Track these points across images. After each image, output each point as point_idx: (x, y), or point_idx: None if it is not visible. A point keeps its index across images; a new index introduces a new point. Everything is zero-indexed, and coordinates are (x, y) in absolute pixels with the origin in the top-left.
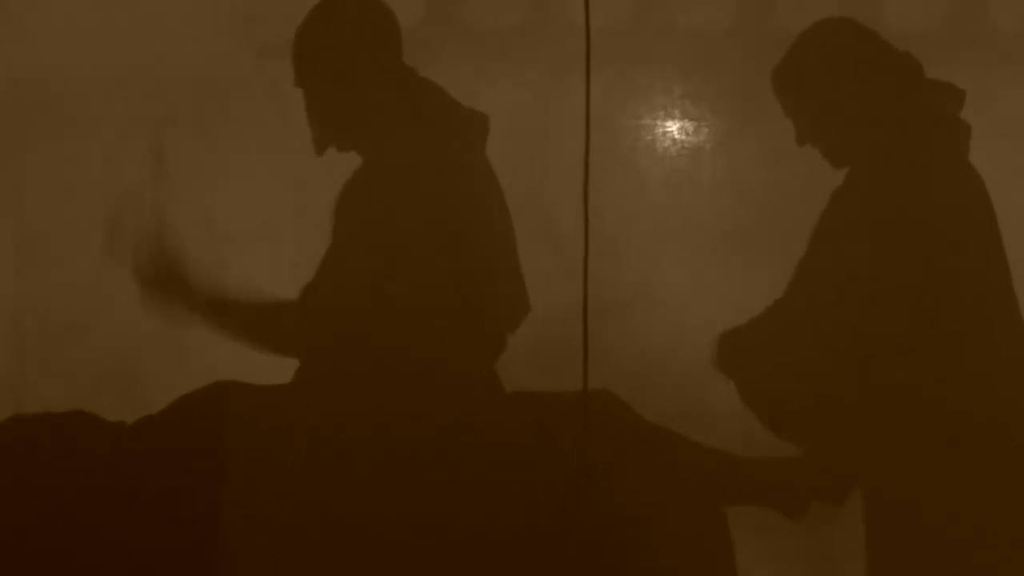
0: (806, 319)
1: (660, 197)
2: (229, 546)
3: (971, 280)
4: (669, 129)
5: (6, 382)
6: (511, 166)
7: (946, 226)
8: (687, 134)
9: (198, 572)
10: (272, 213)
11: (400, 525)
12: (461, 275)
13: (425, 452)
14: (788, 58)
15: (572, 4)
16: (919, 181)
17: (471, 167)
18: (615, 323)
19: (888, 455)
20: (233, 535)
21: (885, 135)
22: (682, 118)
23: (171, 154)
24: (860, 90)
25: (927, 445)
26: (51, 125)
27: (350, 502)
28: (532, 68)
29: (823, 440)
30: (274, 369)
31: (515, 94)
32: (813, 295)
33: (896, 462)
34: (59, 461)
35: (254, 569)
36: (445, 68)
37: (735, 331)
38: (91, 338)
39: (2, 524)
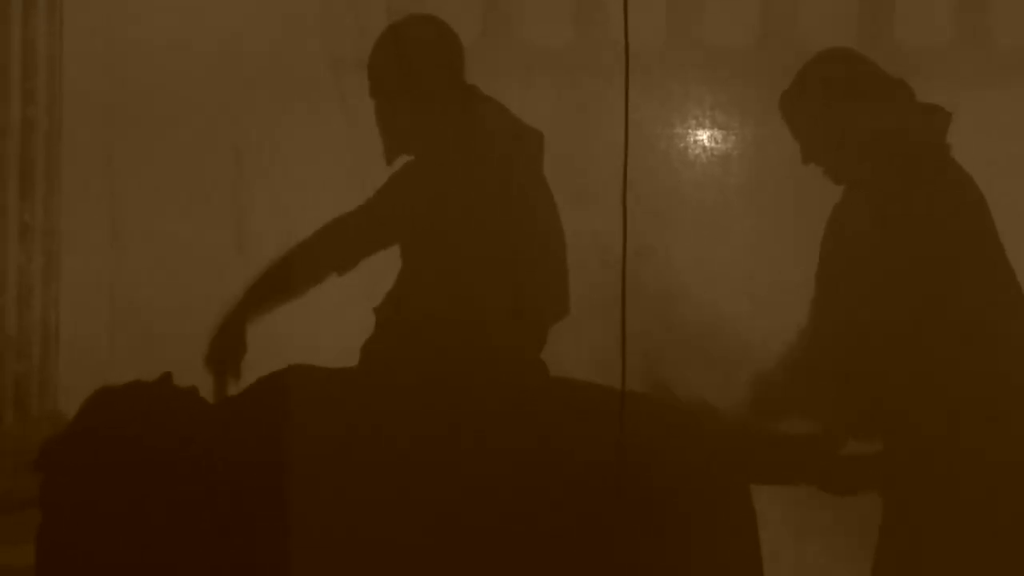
0: (821, 322)
1: (692, 198)
2: (297, 525)
3: (965, 279)
4: (700, 137)
5: (99, 366)
6: (557, 169)
7: (937, 232)
8: (716, 142)
9: (266, 546)
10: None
11: (454, 499)
12: (515, 275)
13: (475, 432)
14: (793, 85)
15: (613, 24)
16: (911, 194)
17: (527, 179)
18: (650, 312)
19: (896, 443)
20: (300, 513)
21: (879, 154)
22: (712, 127)
23: (249, 154)
24: (857, 113)
25: (932, 433)
26: (141, 122)
27: (405, 479)
28: (577, 81)
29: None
30: (348, 355)
31: (561, 104)
32: (827, 300)
33: (902, 450)
34: (142, 432)
35: (320, 543)
36: (499, 80)
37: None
38: (180, 321)
39: (86, 492)
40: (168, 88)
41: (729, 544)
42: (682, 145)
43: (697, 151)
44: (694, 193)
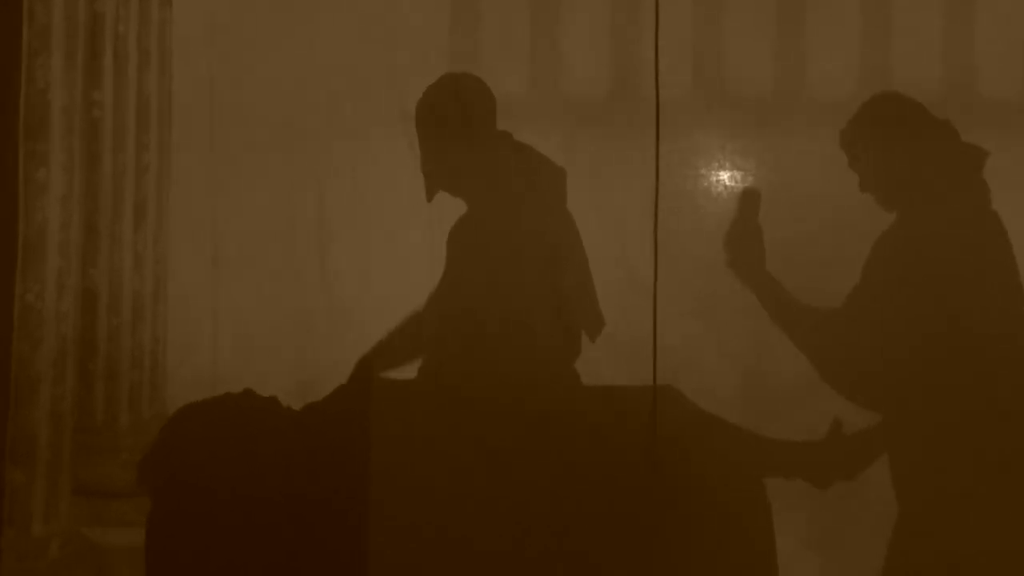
0: (858, 324)
1: (715, 230)
2: (375, 514)
3: (990, 297)
4: (721, 177)
5: (201, 375)
6: (599, 206)
7: (971, 256)
8: (736, 181)
9: (344, 532)
10: (407, 239)
11: (503, 495)
12: (554, 295)
13: (522, 433)
14: (851, 123)
15: (645, 80)
16: (951, 223)
17: (558, 210)
18: (678, 329)
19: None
20: (377, 505)
21: (925, 186)
22: (731, 169)
23: (332, 190)
24: (907, 149)
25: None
26: (237, 166)
27: (465, 475)
28: (615, 130)
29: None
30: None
31: (602, 150)
32: (866, 306)
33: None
34: (228, 434)
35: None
36: (545, 128)
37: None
38: (271, 336)
39: (186, 483)
40: (261, 136)
41: (748, 535)
42: (705, 184)
43: (719, 189)
44: (716, 225)
